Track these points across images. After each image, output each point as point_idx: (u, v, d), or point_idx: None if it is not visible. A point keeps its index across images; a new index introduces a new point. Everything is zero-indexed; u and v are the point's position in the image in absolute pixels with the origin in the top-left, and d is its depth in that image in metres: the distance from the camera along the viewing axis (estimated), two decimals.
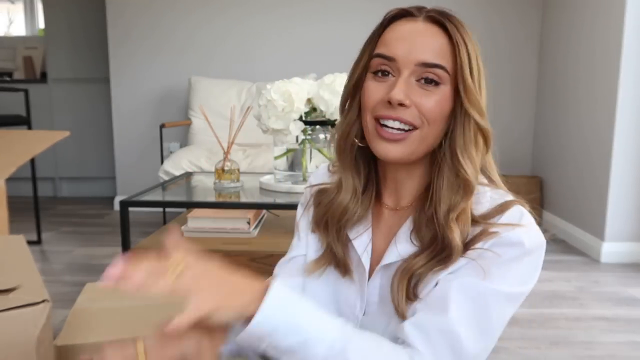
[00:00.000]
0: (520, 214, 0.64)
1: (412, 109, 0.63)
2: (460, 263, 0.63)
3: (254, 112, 1.74)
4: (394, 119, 0.63)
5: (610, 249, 2.45)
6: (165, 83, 3.47)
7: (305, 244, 0.78)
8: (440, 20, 0.64)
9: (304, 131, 1.70)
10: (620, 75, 2.35)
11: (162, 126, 2.86)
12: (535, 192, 3.10)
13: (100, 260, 2.46)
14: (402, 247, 0.67)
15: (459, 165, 0.64)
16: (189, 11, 3.38)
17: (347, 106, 0.71)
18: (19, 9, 4.78)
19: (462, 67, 0.62)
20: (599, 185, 2.51)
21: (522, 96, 3.35)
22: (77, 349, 0.72)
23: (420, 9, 0.66)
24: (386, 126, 0.64)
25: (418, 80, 0.63)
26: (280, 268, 0.81)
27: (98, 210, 3.56)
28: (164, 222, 2.94)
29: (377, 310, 0.70)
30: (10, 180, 0.88)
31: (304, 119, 1.66)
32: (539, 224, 0.66)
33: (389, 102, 0.62)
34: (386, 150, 0.64)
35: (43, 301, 0.55)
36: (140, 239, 1.71)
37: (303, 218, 0.80)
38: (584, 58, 2.72)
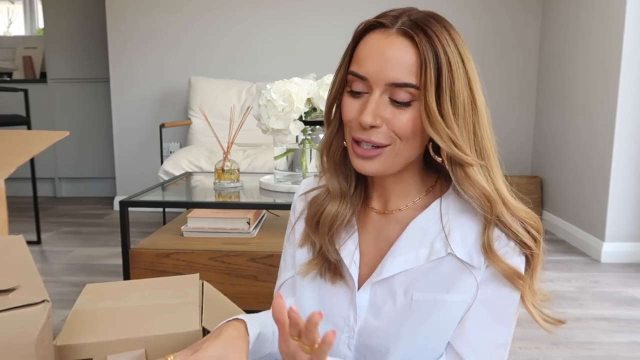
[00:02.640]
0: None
1: (383, 128, 0.62)
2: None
3: (254, 112, 1.74)
4: (366, 142, 0.63)
5: (611, 249, 2.45)
6: (165, 83, 3.47)
7: (293, 265, 0.78)
8: (411, 34, 0.60)
9: (303, 131, 1.70)
10: (620, 74, 2.35)
11: (161, 126, 2.87)
12: (535, 192, 3.10)
13: (100, 260, 2.46)
14: (403, 259, 0.67)
15: (461, 191, 0.64)
16: (189, 11, 3.38)
17: (331, 113, 0.71)
18: (18, 9, 4.79)
19: (425, 86, 0.59)
20: (599, 185, 2.51)
21: (522, 96, 3.35)
22: (77, 349, 0.72)
23: (395, 19, 0.62)
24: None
25: (391, 98, 0.62)
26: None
27: (98, 211, 3.56)
28: (164, 222, 2.94)
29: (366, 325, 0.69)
30: (10, 180, 0.88)
31: (304, 119, 1.66)
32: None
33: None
34: (362, 166, 0.65)
35: (43, 301, 0.54)
36: (140, 239, 1.70)
37: (292, 236, 0.79)
38: (584, 58, 2.72)
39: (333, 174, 0.72)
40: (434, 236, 0.66)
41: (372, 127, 0.62)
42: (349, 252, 0.71)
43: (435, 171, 0.72)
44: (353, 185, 0.72)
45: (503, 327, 0.66)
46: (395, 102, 0.61)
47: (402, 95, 0.61)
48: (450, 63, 0.60)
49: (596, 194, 2.54)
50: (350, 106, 0.64)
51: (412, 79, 0.60)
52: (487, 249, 0.63)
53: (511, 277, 0.63)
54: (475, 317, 0.65)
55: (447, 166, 0.64)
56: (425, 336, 0.66)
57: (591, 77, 2.63)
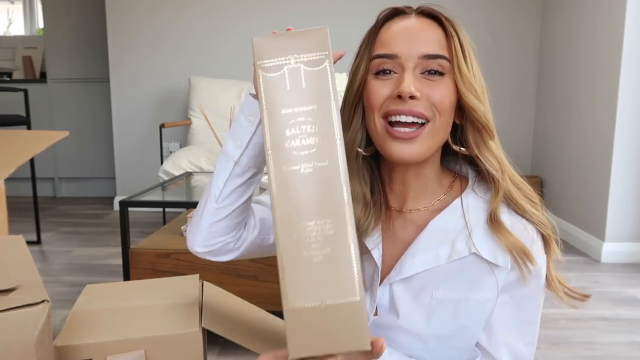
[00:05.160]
0: (538, 269, 0.65)
1: (422, 100, 0.62)
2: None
3: None
4: (407, 114, 0.61)
5: (611, 249, 2.45)
6: (165, 83, 3.47)
7: None
8: (433, 13, 0.65)
9: None
10: (620, 74, 2.35)
11: (161, 126, 2.87)
12: (535, 192, 3.10)
13: (99, 260, 2.46)
14: (423, 258, 0.66)
15: (479, 160, 0.65)
16: (189, 11, 3.38)
17: (350, 115, 0.68)
18: (18, 9, 4.79)
19: (457, 55, 0.62)
20: (599, 185, 2.51)
21: (522, 96, 3.35)
22: (77, 349, 0.72)
23: (409, 8, 0.67)
24: (398, 123, 0.62)
25: (422, 73, 0.62)
26: None
27: (98, 211, 3.56)
28: (164, 222, 2.93)
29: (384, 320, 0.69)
30: (10, 180, 0.88)
31: None
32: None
33: (399, 97, 0.61)
34: (402, 151, 0.62)
35: (43, 301, 0.54)
36: (140, 239, 1.70)
37: None
38: (584, 58, 2.72)
39: (355, 178, 0.68)
40: (455, 235, 0.65)
41: (412, 98, 0.61)
42: (379, 249, 0.69)
43: (451, 172, 0.72)
44: (368, 188, 0.70)
45: (531, 326, 0.67)
46: (428, 76, 0.62)
47: (435, 67, 0.62)
48: (469, 44, 0.65)
49: (596, 194, 2.54)
50: (380, 87, 0.63)
51: (443, 51, 0.63)
52: (493, 220, 0.64)
53: (518, 252, 0.63)
54: (505, 320, 0.66)
55: (469, 139, 0.65)
56: (449, 335, 0.66)
57: (591, 77, 2.63)
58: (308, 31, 0.54)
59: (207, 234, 0.70)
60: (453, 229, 0.66)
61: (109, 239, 2.81)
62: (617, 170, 2.41)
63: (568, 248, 2.69)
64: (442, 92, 0.62)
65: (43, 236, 2.83)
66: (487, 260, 0.64)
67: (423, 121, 0.62)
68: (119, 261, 2.29)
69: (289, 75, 0.54)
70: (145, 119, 3.50)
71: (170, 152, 3.39)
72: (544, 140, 3.22)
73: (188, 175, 2.34)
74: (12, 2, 4.81)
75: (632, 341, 1.67)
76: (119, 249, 2.20)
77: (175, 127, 3.36)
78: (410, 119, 0.61)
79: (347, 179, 0.53)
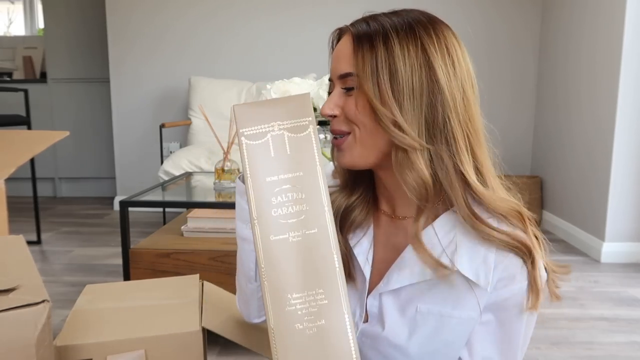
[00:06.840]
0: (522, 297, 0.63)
1: (341, 116, 0.65)
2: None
3: None
4: (332, 132, 0.67)
5: (611, 249, 2.45)
6: (165, 83, 3.47)
7: None
8: (350, 29, 0.65)
9: None
10: (620, 74, 2.35)
11: (162, 126, 2.87)
12: (535, 192, 3.10)
13: (100, 260, 2.46)
14: (409, 272, 0.66)
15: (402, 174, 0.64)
16: (189, 11, 3.38)
17: None
18: (18, 9, 4.79)
19: (358, 73, 0.62)
20: (599, 185, 2.51)
21: (522, 96, 3.35)
22: (77, 350, 0.72)
23: (354, 23, 0.66)
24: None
25: (345, 92, 0.66)
26: None
27: (98, 210, 3.56)
28: (164, 222, 2.94)
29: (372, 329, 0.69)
30: (10, 180, 0.88)
31: None
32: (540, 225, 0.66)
33: None
34: (337, 158, 0.68)
35: (43, 301, 0.55)
36: (140, 239, 1.70)
37: None
38: (584, 57, 2.72)
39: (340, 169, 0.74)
40: (441, 251, 0.65)
41: (333, 116, 0.66)
42: (364, 249, 0.70)
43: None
44: (362, 187, 0.73)
45: (512, 346, 0.66)
46: (346, 93, 0.65)
47: (348, 84, 0.64)
48: (387, 48, 0.61)
49: (596, 194, 2.54)
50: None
51: (349, 68, 0.64)
52: (415, 238, 0.64)
53: (514, 241, 0.62)
54: (485, 337, 0.65)
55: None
56: (433, 351, 0.66)
57: (591, 76, 2.63)
58: (290, 98, 0.53)
59: (258, 308, 0.75)
60: (438, 244, 0.65)
61: (109, 239, 2.81)
62: (617, 170, 2.41)
63: (568, 248, 2.69)
64: (353, 107, 0.64)
65: (43, 236, 2.83)
66: (468, 278, 0.63)
67: (343, 135, 0.66)
68: (119, 261, 2.30)
69: (272, 142, 0.53)
70: (145, 119, 3.51)
71: (171, 152, 3.39)
72: (544, 140, 3.22)
73: (188, 175, 2.34)
74: (12, 2, 4.81)
75: (632, 341, 1.67)
76: (119, 249, 2.20)
77: (175, 127, 3.37)
78: (336, 136, 0.67)
79: (337, 245, 0.51)
